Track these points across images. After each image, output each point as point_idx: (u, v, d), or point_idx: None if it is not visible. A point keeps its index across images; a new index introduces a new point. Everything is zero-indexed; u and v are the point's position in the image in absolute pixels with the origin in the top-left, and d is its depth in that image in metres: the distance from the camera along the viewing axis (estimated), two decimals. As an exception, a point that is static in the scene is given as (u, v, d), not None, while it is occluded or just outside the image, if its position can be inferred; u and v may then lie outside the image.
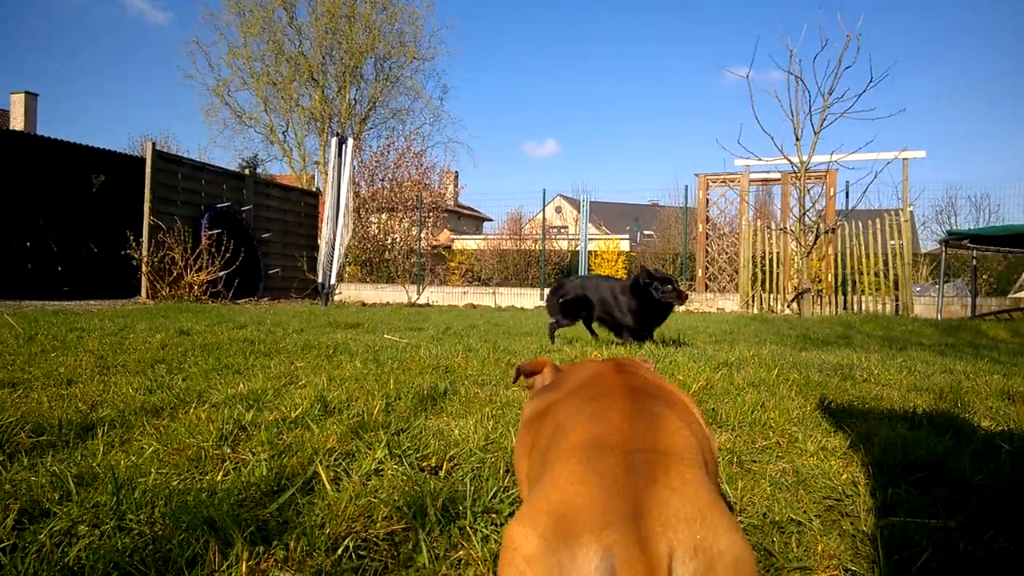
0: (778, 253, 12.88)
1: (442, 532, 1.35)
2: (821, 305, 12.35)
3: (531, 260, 20.57)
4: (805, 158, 10.56)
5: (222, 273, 11.44)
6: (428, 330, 6.16)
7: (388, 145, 21.20)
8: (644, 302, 4.74)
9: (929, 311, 11.88)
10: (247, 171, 18.43)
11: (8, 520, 1.31)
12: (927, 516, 1.50)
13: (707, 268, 14.58)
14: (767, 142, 21.88)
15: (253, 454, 1.80)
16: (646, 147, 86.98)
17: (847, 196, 13.07)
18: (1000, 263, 17.19)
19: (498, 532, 1.36)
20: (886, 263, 12.28)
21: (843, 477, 1.76)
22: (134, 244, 10.68)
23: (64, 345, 4.03)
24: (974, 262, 11.99)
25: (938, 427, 2.26)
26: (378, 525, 1.37)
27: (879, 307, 12.25)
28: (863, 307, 12.35)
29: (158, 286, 10.89)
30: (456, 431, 2.08)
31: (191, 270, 11.08)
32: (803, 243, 10.86)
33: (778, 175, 13.59)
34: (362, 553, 1.28)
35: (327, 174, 12.18)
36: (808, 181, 11.36)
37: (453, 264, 20.95)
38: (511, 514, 1.44)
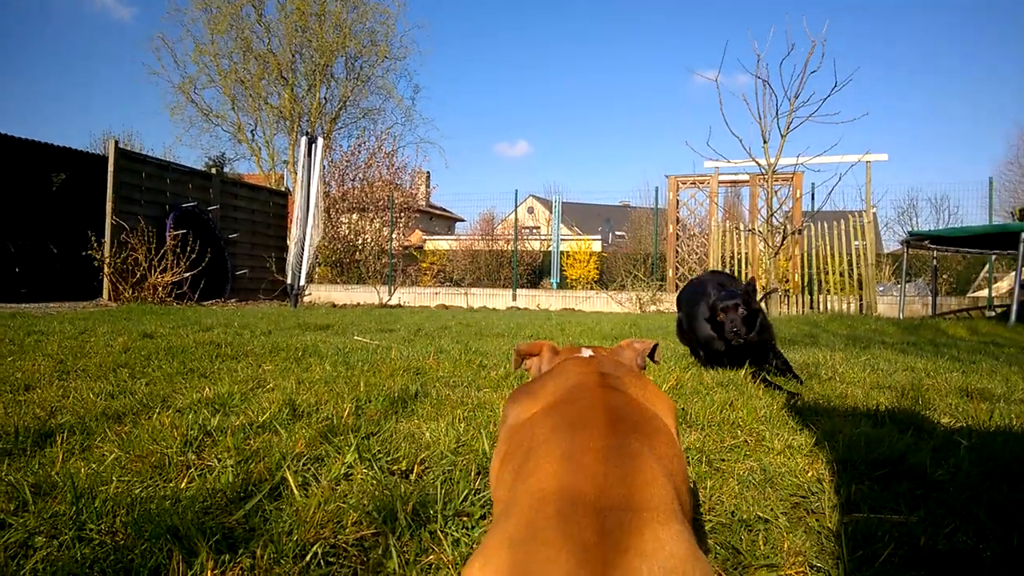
0: (747, 253, 13.08)
1: (412, 537, 1.34)
2: (788, 304, 12.57)
3: (503, 261, 20.57)
4: (772, 160, 10.72)
5: (188, 274, 11.20)
6: (399, 331, 6.12)
7: (359, 145, 21.07)
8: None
9: (892, 310, 12.17)
10: (214, 170, 18.13)
11: (-40, 533, 1.26)
12: (889, 512, 1.53)
13: (678, 268, 14.74)
14: (736, 144, 22.22)
15: (219, 460, 1.76)
16: (617, 148, 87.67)
17: (813, 198, 13.34)
18: (959, 263, 17.66)
19: (469, 536, 1.36)
20: (851, 263, 12.55)
21: (809, 475, 1.79)
22: (96, 244, 10.40)
23: (22, 349, 3.92)
24: (934, 262, 12.30)
25: (900, 424, 2.31)
26: (347, 531, 1.35)
27: (844, 306, 12.51)
28: (829, 306, 12.60)
29: (121, 288, 10.63)
30: (427, 434, 2.06)
31: (155, 271, 10.83)
32: (771, 244, 11.03)
33: (746, 177, 13.81)
34: (331, 560, 1.26)
35: (297, 174, 12.04)
36: (775, 183, 11.55)
37: (425, 265, 20.86)
38: (482, 517, 1.44)
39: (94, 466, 1.69)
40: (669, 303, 13.63)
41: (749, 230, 12.94)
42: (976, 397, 2.91)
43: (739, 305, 3.47)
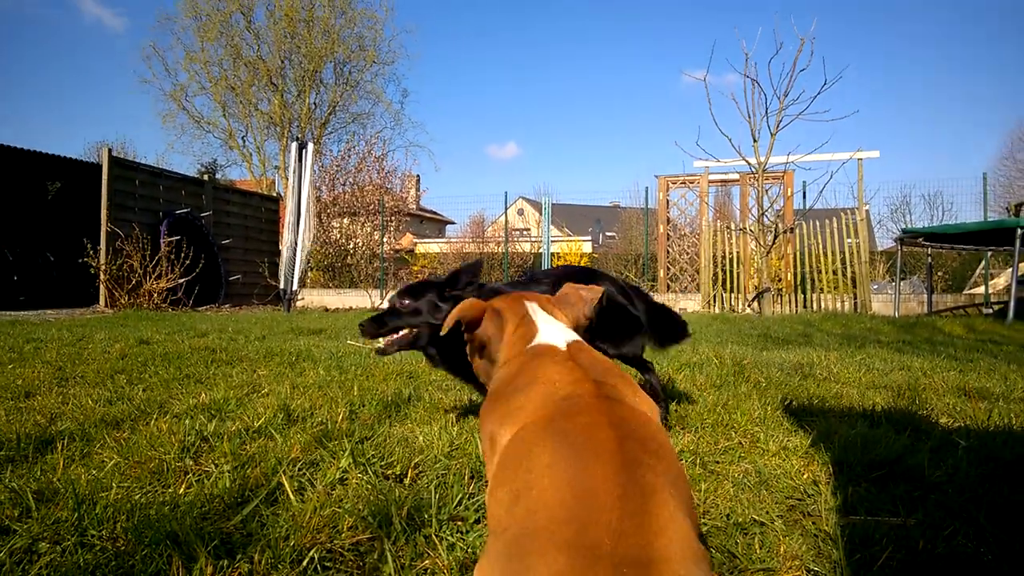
0: (738, 253, 13.10)
1: (407, 541, 1.34)
2: (781, 304, 12.60)
3: (494, 263, 20.55)
4: (762, 159, 10.78)
5: (182, 280, 11.18)
6: (394, 335, 6.11)
7: (349, 149, 20.99)
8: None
9: (887, 308, 12.22)
10: (206, 177, 18.04)
11: (-35, 539, 1.27)
12: (887, 514, 1.52)
13: (669, 269, 14.77)
14: (725, 144, 22.39)
15: (216, 466, 1.77)
16: (607, 149, 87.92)
17: (804, 196, 13.38)
18: (955, 260, 17.70)
19: (464, 540, 1.36)
20: (844, 261, 12.58)
21: (804, 476, 1.79)
22: (91, 252, 10.41)
23: (21, 356, 3.92)
24: (929, 259, 12.34)
25: (896, 424, 2.30)
26: (343, 536, 1.36)
27: (838, 305, 12.55)
28: (822, 305, 12.64)
29: (117, 294, 10.62)
30: (421, 438, 2.07)
31: (150, 277, 10.81)
32: (762, 243, 11.08)
33: (737, 176, 13.84)
34: (327, 564, 1.27)
35: (287, 179, 12.00)
36: (766, 182, 11.61)
37: (416, 268, 20.81)
38: (477, 521, 1.44)
39: (94, 472, 1.70)
40: (661, 302, 13.63)
41: (740, 229, 12.98)
42: (974, 396, 2.90)
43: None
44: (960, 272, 17.59)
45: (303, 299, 14.62)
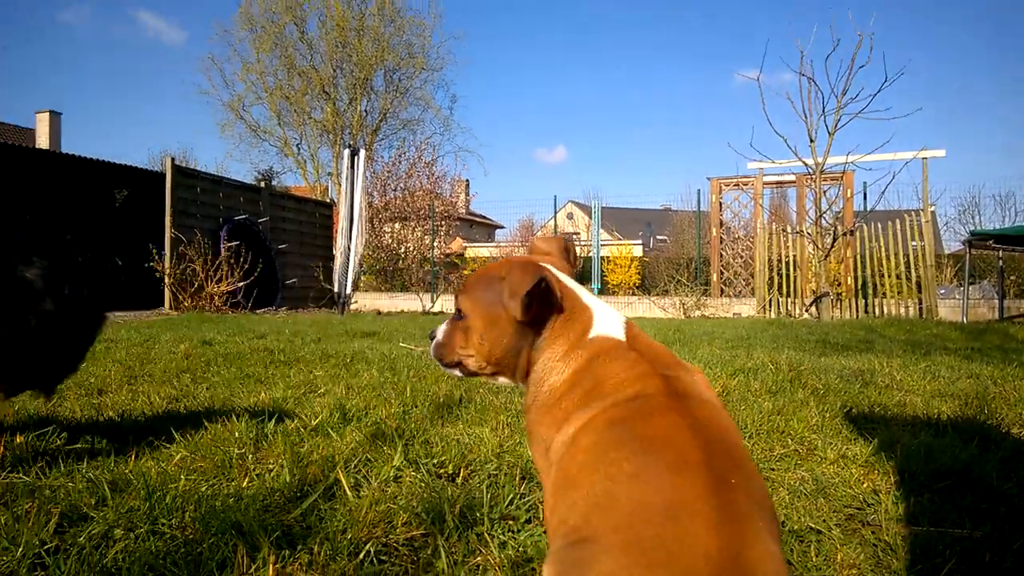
0: (795, 256, 12.77)
1: (460, 538, 1.37)
2: (841, 309, 12.22)
3: (546, 267, 20.55)
4: (820, 160, 10.49)
5: (241, 284, 11.57)
6: (445, 338, 6.18)
7: (399, 155, 21.42)
8: None
9: (954, 314, 11.70)
10: (263, 184, 18.62)
11: (50, 524, 1.36)
12: (952, 525, 1.47)
13: (722, 273, 14.50)
14: (780, 144, 21.80)
15: (276, 461, 1.83)
16: (657, 152, 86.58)
17: (865, 197, 12.97)
18: (1028, 263, 16.89)
19: (515, 539, 1.38)
20: (908, 265, 12.12)
21: (864, 485, 1.75)
22: (157, 257, 10.88)
23: (93, 356, 4.11)
24: (1000, 263, 11.80)
25: (963, 434, 2.22)
26: (398, 531, 1.39)
27: (901, 310, 12.10)
28: (885, 310, 12.20)
29: (180, 297, 11.06)
30: (471, 438, 2.10)
31: (211, 281, 11.23)
32: (820, 246, 10.77)
33: (792, 177, 13.50)
34: (383, 558, 1.30)
35: (340, 185, 12.29)
36: (824, 183, 11.29)
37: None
38: (528, 521, 1.46)
39: (163, 465, 1.79)
40: (715, 308, 13.41)
41: (797, 232, 12.65)
42: (1047, 406, 2.77)
43: None
44: (1034, 276, 16.73)
45: (356, 302, 14.93)
